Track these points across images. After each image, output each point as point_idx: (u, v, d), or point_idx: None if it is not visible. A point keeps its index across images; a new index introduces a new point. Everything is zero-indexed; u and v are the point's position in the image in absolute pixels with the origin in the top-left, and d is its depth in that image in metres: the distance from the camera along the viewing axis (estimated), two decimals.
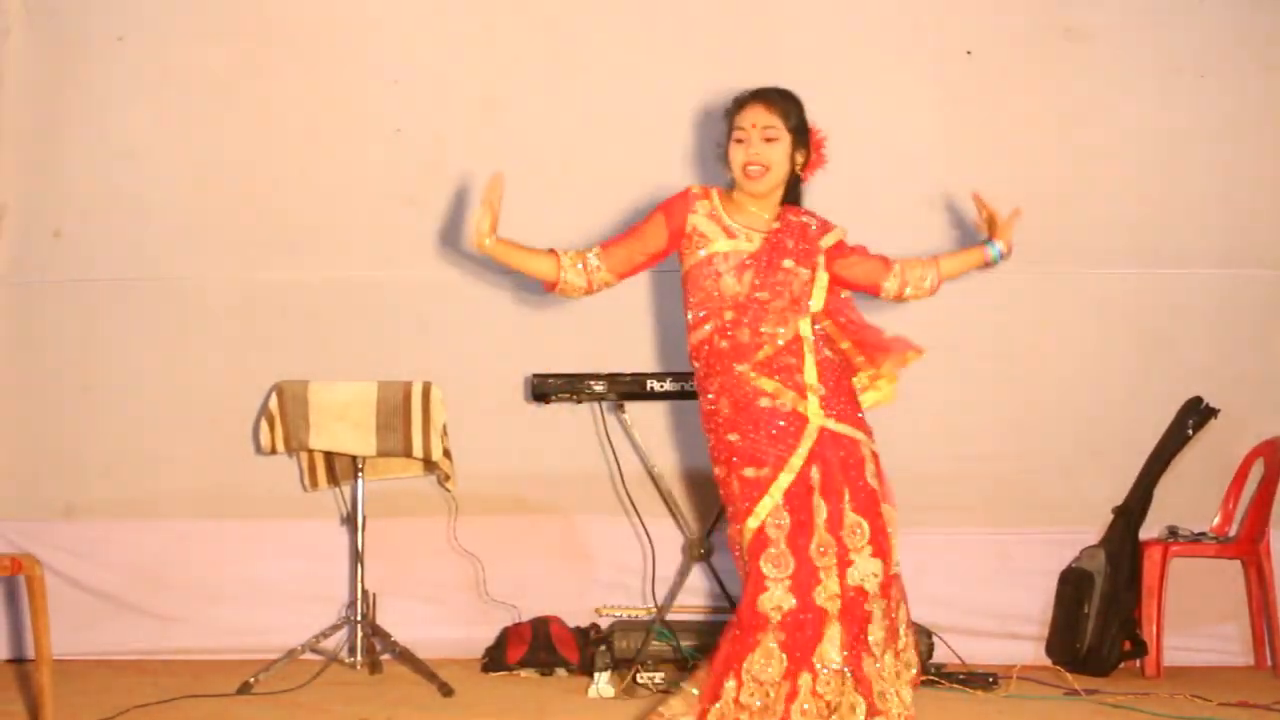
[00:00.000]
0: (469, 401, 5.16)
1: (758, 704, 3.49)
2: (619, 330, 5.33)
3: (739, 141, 3.68)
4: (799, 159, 3.76)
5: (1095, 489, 5.38)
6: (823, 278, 3.70)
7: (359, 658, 5.05)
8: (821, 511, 3.55)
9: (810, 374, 3.62)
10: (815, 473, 3.56)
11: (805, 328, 3.66)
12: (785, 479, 3.54)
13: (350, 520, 5.15)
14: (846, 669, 3.51)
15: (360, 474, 5.11)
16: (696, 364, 3.71)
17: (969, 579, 5.38)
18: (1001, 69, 5.52)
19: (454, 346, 5.40)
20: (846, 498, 3.57)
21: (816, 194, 5.46)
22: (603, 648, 4.87)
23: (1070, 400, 5.46)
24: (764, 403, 3.60)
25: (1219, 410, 5.32)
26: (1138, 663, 5.19)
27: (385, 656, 5.08)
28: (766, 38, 5.51)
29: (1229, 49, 5.51)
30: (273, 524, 5.41)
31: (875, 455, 3.67)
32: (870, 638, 3.54)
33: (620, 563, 5.36)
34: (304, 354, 5.36)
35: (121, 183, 5.52)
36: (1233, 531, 5.36)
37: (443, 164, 5.46)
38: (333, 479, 5.26)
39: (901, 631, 3.63)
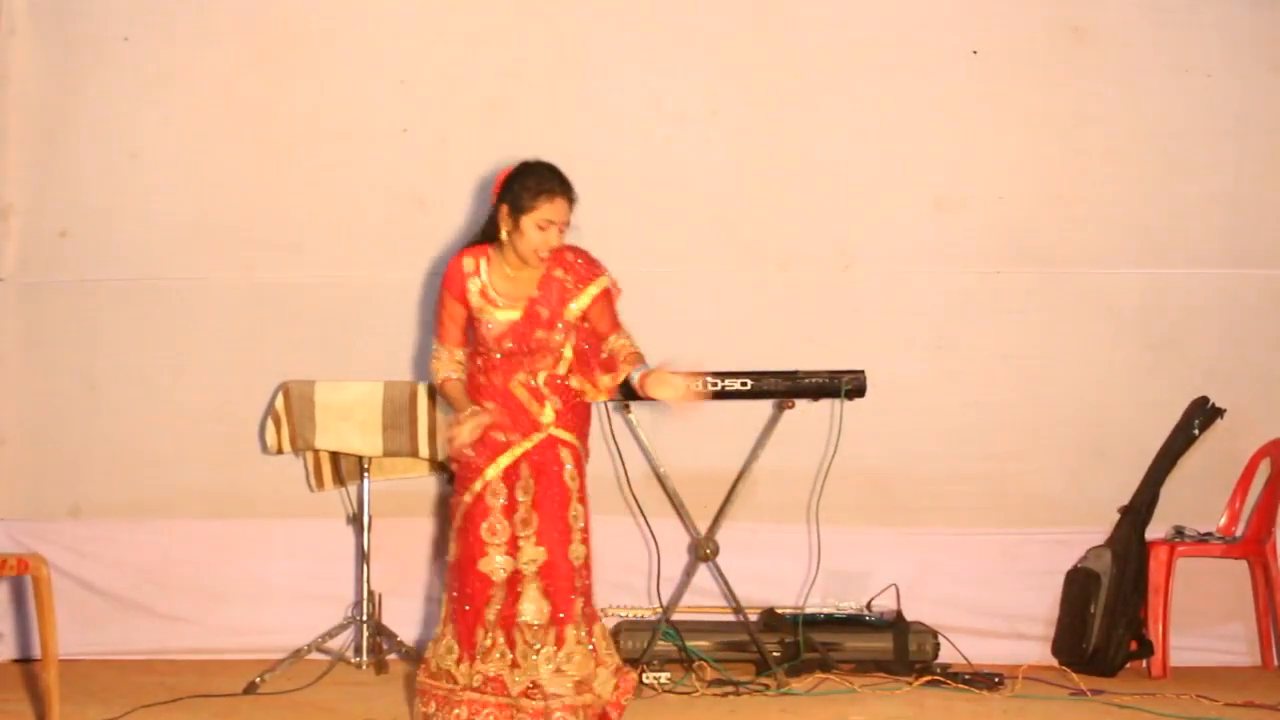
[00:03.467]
0: None
1: None
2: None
3: (541, 229, 4.03)
4: None
5: (1101, 489, 5.38)
6: (569, 345, 4.16)
7: (365, 658, 5.05)
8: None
9: (549, 408, 4.12)
10: (524, 468, 4.08)
11: (561, 367, 4.16)
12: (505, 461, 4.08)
13: (356, 520, 5.15)
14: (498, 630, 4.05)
15: (366, 474, 5.12)
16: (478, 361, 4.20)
17: (975, 579, 5.37)
18: (1008, 69, 5.52)
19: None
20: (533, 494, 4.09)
21: (823, 196, 5.51)
22: None
23: (1076, 400, 5.46)
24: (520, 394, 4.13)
25: (1225, 410, 5.32)
26: (1144, 663, 5.18)
27: (391, 656, 5.09)
28: (773, 39, 5.52)
29: (1236, 48, 5.50)
30: (279, 524, 5.42)
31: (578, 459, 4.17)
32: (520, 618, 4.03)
33: (626, 563, 5.36)
34: (310, 354, 5.37)
35: (127, 183, 5.53)
36: (1239, 531, 5.36)
37: (450, 164, 5.47)
38: (339, 479, 5.27)
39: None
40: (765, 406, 5.18)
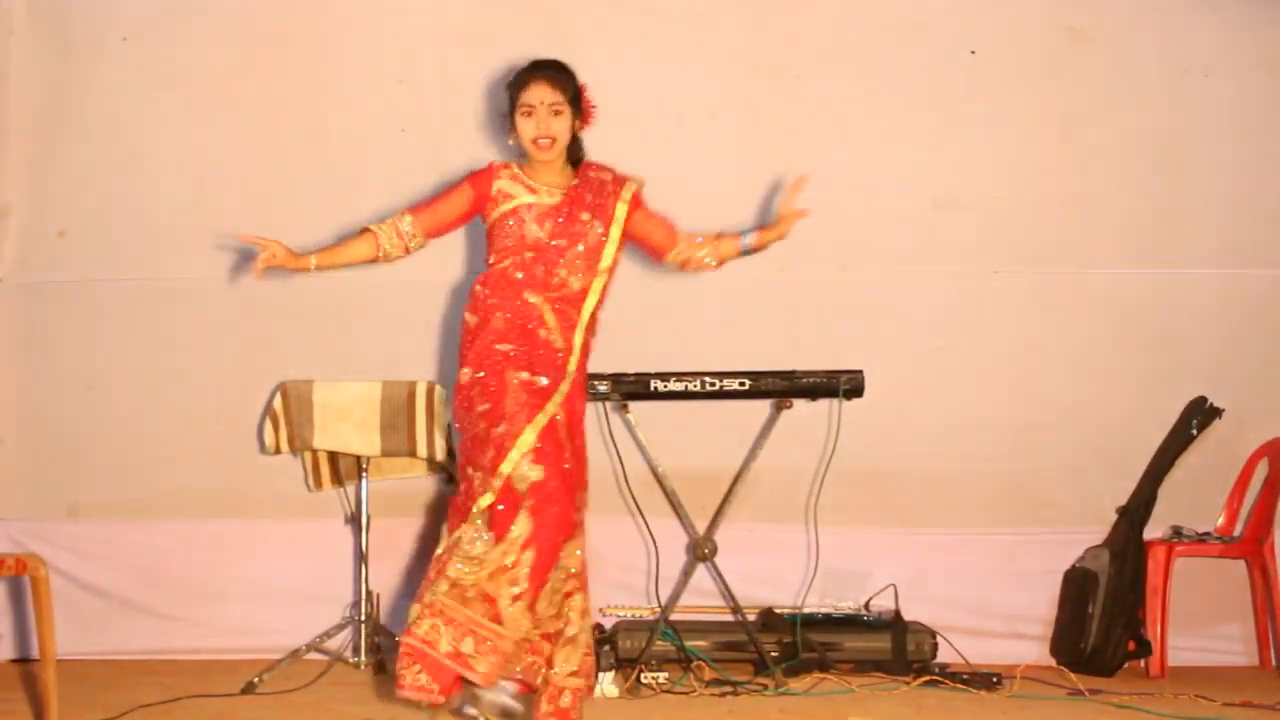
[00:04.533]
0: None
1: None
2: (623, 330, 5.31)
3: (526, 115, 4.03)
4: (577, 125, 4.17)
5: (1099, 489, 5.38)
6: (615, 233, 4.10)
7: (363, 658, 5.05)
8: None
9: (580, 330, 4.05)
10: (561, 415, 3.97)
11: (597, 285, 4.08)
12: (551, 408, 3.95)
13: (354, 520, 5.15)
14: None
15: (364, 474, 5.12)
16: (479, 288, 4.08)
17: (973, 579, 5.37)
18: (1006, 69, 5.52)
19: (458, 346, 5.39)
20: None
21: (821, 196, 5.51)
22: (607, 648, 4.87)
23: (1075, 400, 5.46)
24: (542, 333, 4.02)
25: (1223, 410, 5.32)
26: (1142, 663, 5.18)
27: (390, 657, 5.09)
28: (772, 39, 5.52)
29: (1234, 48, 5.50)
30: (277, 524, 5.41)
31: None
32: None
33: (624, 562, 5.36)
34: (308, 354, 5.37)
35: (126, 183, 5.52)
36: (1237, 531, 5.36)
37: (449, 164, 5.46)
38: (337, 479, 5.27)
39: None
40: (764, 406, 5.18)
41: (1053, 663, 5.24)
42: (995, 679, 4.85)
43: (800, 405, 5.12)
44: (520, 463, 3.85)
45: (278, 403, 4.96)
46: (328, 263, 4.13)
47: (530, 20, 5.55)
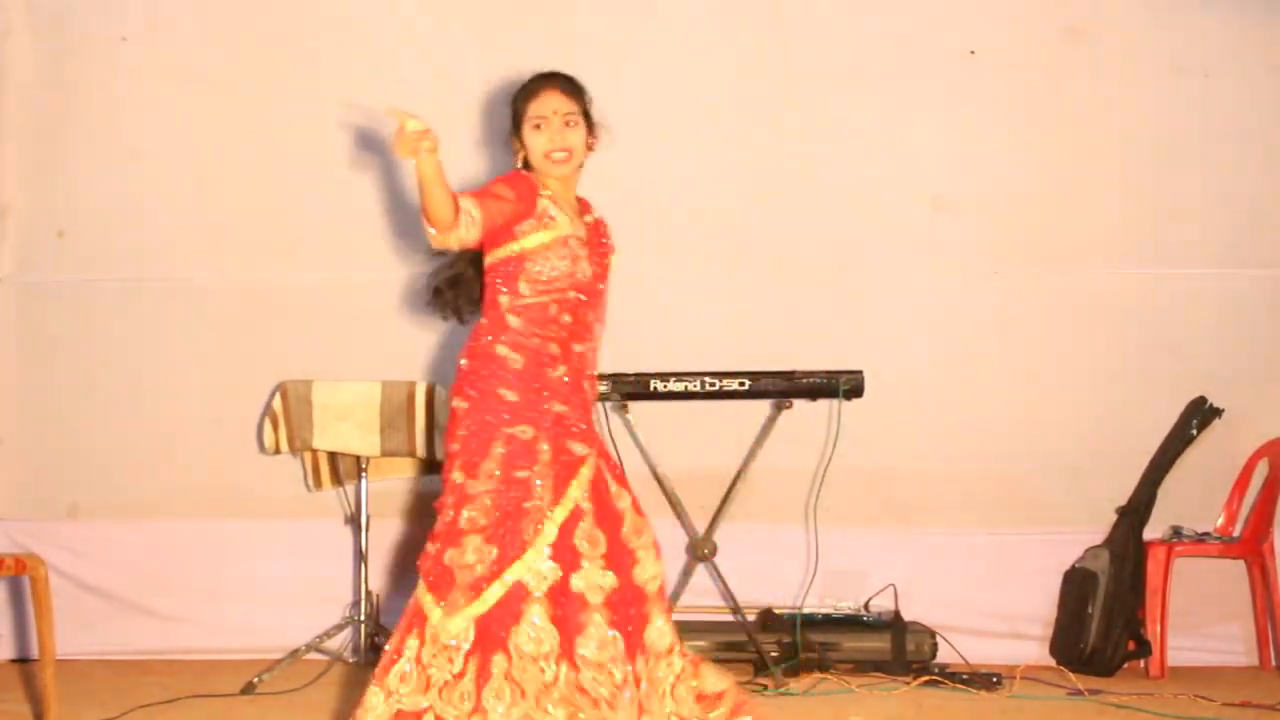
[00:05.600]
0: None
1: None
2: (623, 330, 5.29)
3: (537, 129, 3.55)
4: (589, 143, 3.69)
5: (1099, 489, 5.38)
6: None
7: (363, 657, 5.05)
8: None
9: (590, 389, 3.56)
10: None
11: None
12: (586, 474, 3.44)
13: (354, 520, 5.15)
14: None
15: (364, 474, 5.12)
16: (519, 322, 3.50)
17: (973, 579, 5.38)
18: (1006, 69, 5.52)
19: (458, 346, 5.37)
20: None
21: (821, 196, 5.51)
22: None
23: (1074, 400, 5.46)
24: (586, 385, 3.55)
25: (1223, 410, 5.32)
26: (1142, 663, 5.18)
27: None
28: (772, 40, 5.52)
29: (1233, 49, 5.51)
30: (276, 524, 5.41)
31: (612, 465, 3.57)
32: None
33: None
34: (308, 354, 5.37)
35: (125, 183, 5.53)
36: (1237, 531, 5.36)
37: (447, 165, 5.45)
38: (336, 479, 5.27)
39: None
40: (763, 406, 5.18)
41: (1052, 663, 5.24)
42: (995, 679, 4.85)
43: (800, 405, 5.12)
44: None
45: (277, 403, 4.96)
46: (429, 173, 3.39)
47: (530, 20, 5.55)
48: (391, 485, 5.31)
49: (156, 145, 5.53)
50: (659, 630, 3.50)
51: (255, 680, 4.77)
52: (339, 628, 5.08)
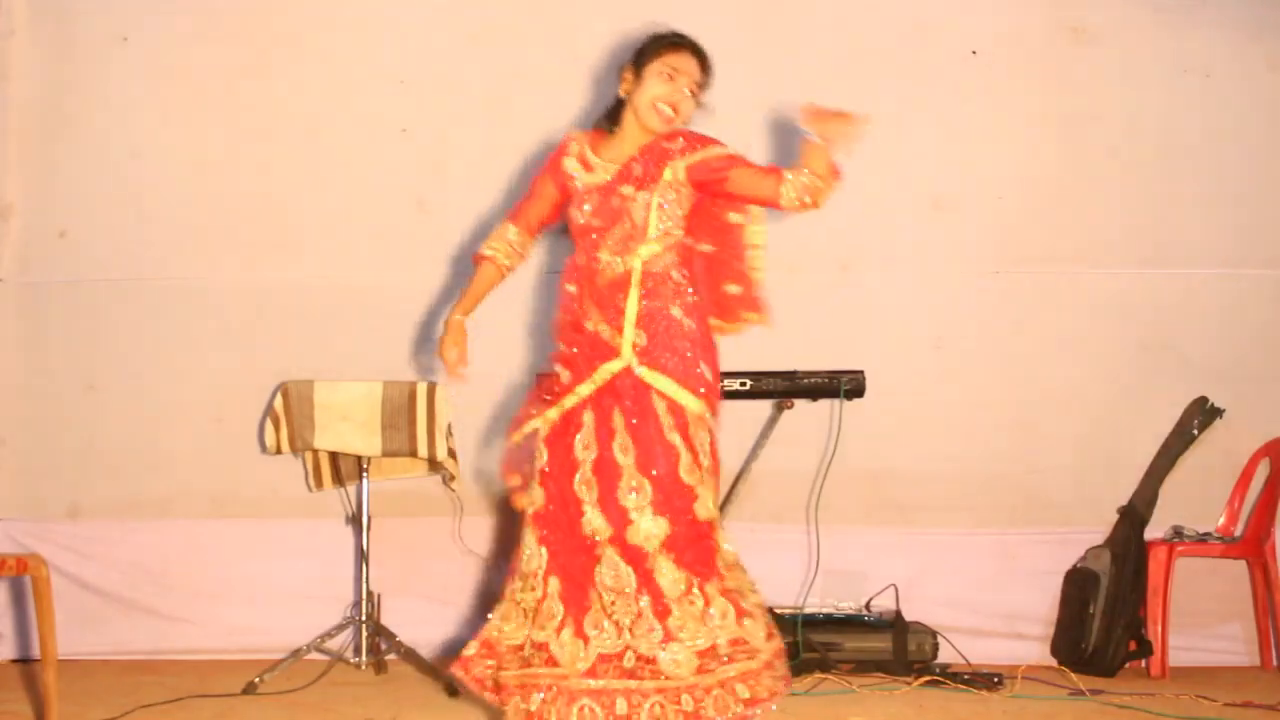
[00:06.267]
0: (474, 401, 5.16)
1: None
2: None
3: (668, 77, 3.66)
4: (686, 119, 3.79)
5: (1100, 489, 5.38)
6: (655, 200, 3.67)
7: (364, 658, 5.05)
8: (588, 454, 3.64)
9: (630, 313, 3.65)
10: (588, 416, 3.64)
11: (638, 262, 3.66)
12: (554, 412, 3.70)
13: (355, 520, 5.15)
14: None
15: (365, 474, 5.12)
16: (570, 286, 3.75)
17: (974, 579, 5.38)
18: (1007, 69, 5.53)
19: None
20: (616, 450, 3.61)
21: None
22: None
23: (1076, 400, 5.46)
24: (588, 325, 3.70)
25: (1224, 410, 5.32)
26: (1143, 663, 5.18)
27: (390, 656, 5.08)
28: (772, 40, 5.52)
29: (1235, 48, 5.51)
30: (278, 524, 5.42)
31: (699, 419, 3.63)
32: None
33: None
34: (309, 354, 5.37)
35: (126, 183, 5.53)
36: (1238, 531, 5.36)
37: (449, 164, 5.47)
38: (338, 479, 5.27)
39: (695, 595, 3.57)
40: (764, 406, 5.19)
41: (1054, 663, 5.24)
42: (996, 679, 4.84)
43: (801, 405, 5.12)
44: None
45: (278, 403, 4.96)
46: (473, 306, 3.83)
47: (530, 20, 5.56)
48: (393, 485, 5.31)
49: (158, 145, 5.53)
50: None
51: (257, 680, 4.76)
52: (340, 628, 5.07)
